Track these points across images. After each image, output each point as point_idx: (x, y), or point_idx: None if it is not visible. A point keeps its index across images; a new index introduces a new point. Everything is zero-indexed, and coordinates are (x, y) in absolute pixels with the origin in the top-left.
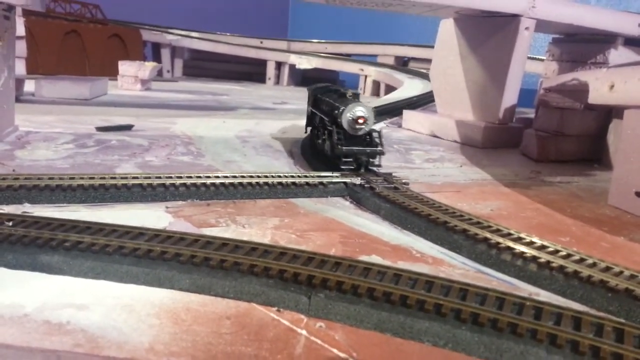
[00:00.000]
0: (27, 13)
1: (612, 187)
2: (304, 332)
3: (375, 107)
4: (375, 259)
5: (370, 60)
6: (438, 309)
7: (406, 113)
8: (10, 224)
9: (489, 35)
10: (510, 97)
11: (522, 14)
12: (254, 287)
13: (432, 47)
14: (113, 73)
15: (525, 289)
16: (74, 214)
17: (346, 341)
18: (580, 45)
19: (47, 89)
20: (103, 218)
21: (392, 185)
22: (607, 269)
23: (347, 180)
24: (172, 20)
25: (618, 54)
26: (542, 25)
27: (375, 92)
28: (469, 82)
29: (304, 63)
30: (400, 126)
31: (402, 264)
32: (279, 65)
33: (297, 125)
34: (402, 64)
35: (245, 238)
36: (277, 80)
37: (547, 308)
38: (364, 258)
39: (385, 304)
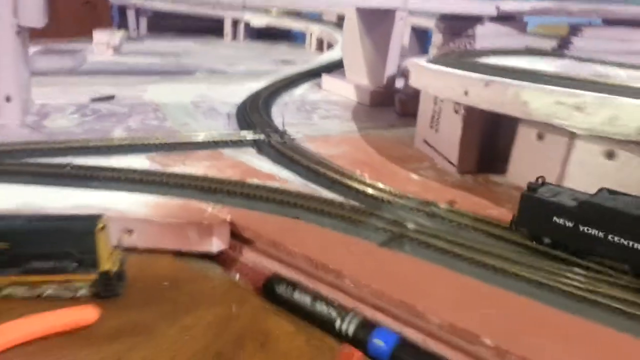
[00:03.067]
0: None
1: (415, 134)
2: (209, 209)
3: (309, 70)
4: (253, 180)
5: (316, 18)
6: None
7: (324, 77)
8: (69, 167)
9: (377, 22)
10: (391, 69)
11: (397, 8)
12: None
13: None
14: (87, 35)
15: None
16: (95, 161)
17: (231, 213)
18: (458, 22)
19: (39, 62)
20: (113, 164)
21: (283, 140)
22: (374, 185)
23: (256, 137)
24: None
25: (484, 28)
26: (416, 13)
27: (319, 48)
28: (365, 56)
29: (258, 20)
30: (320, 87)
31: (267, 182)
32: (235, 22)
33: (240, 88)
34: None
35: (187, 172)
36: (234, 36)
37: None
38: (250, 180)
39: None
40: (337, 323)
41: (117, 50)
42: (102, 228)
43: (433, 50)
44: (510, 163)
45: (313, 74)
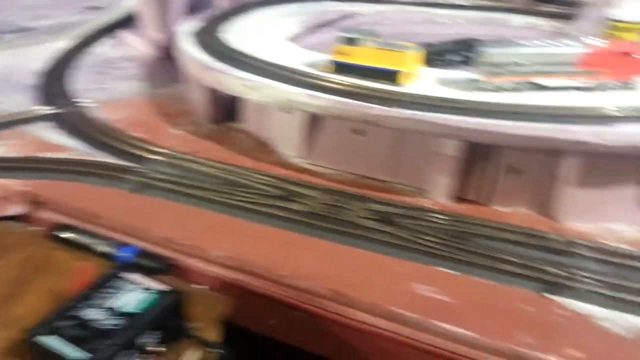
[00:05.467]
0: None
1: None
2: (11, 184)
3: (114, 22)
4: (45, 154)
5: None
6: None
7: (122, 33)
8: None
9: None
10: (176, 24)
11: None
12: None
13: None
14: None
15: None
16: None
17: (29, 185)
18: None
19: None
20: None
21: (74, 110)
22: (138, 145)
23: (51, 111)
24: None
25: None
26: None
27: None
28: (155, 12)
29: None
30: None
31: (55, 154)
32: None
33: (45, 51)
34: None
35: None
36: None
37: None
38: (42, 154)
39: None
40: (96, 247)
41: None
42: None
43: None
44: (244, 113)
45: (117, 25)
